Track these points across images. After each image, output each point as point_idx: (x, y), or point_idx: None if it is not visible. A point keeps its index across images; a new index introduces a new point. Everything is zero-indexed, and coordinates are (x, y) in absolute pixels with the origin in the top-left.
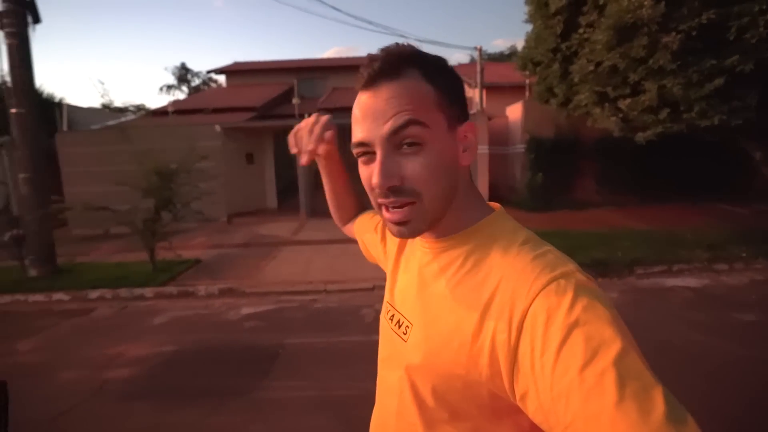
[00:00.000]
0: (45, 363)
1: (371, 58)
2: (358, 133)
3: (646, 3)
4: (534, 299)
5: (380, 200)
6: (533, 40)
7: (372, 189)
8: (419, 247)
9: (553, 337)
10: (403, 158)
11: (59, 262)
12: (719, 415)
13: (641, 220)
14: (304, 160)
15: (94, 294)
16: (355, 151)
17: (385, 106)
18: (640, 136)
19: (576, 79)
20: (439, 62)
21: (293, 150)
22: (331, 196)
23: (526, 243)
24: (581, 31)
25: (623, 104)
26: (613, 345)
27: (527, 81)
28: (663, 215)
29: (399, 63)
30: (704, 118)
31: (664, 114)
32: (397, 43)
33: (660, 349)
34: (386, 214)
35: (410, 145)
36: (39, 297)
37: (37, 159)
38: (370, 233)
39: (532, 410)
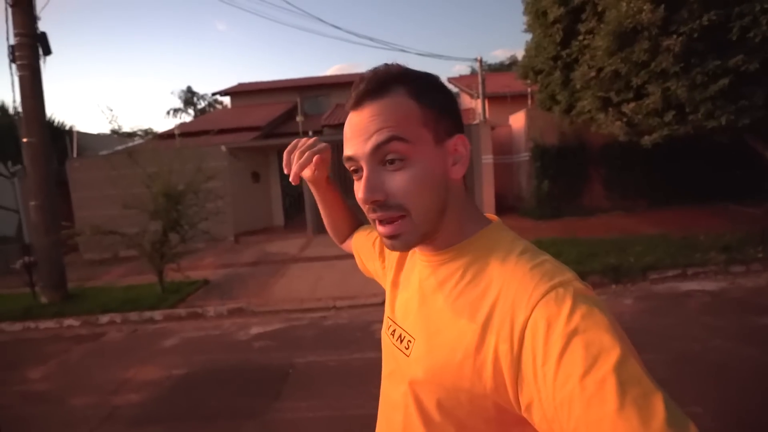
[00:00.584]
0: (56, 390)
1: (359, 79)
2: (347, 150)
3: (645, 7)
4: (534, 309)
5: (371, 215)
6: (533, 49)
7: (362, 204)
8: (418, 261)
9: (554, 345)
10: (387, 174)
11: (70, 287)
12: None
13: (652, 225)
14: (291, 179)
15: (104, 318)
16: (346, 165)
17: (369, 124)
18: (646, 140)
19: (578, 86)
20: (426, 79)
21: (286, 170)
22: (325, 217)
23: (524, 253)
24: (581, 38)
25: (627, 108)
26: (612, 351)
27: (529, 90)
28: (674, 218)
29: (384, 83)
30: (711, 119)
31: (669, 116)
32: (385, 64)
33: (681, 358)
34: (379, 228)
35: (392, 161)
36: (50, 323)
37: (48, 186)
38: (367, 249)
39: (537, 420)
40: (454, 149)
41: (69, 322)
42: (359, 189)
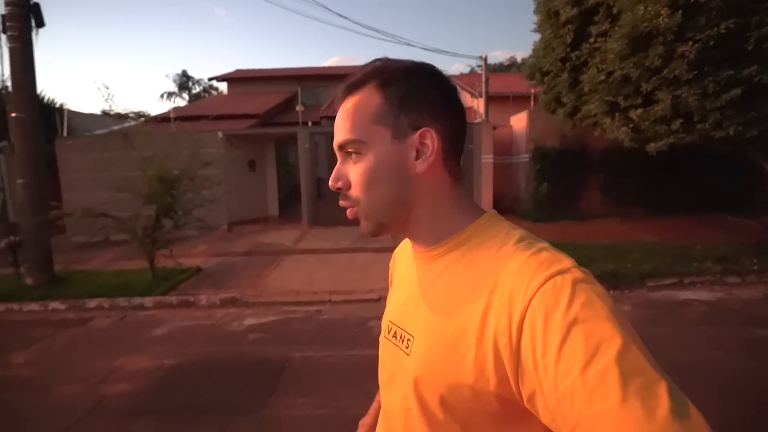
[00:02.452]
0: (40, 377)
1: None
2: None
3: (663, 12)
4: (531, 299)
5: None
6: (542, 49)
7: None
8: (413, 259)
9: (553, 336)
10: (348, 166)
11: (56, 270)
12: None
13: (648, 232)
14: None
15: (91, 303)
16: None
17: (338, 121)
18: (652, 147)
19: (586, 89)
20: (405, 71)
21: None
22: None
23: (520, 242)
24: (592, 40)
25: (634, 114)
26: (613, 341)
27: (532, 91)
28: (670, 227)
29: (361, 79)
30: (719, 128)
31: (677, 124)
32: (377, 59)
33: (681, 368)
34: (348, 212)
35: (353, 154)
36: (34, 306)
37: (36, 164)
38: None
39: (541, 411)
40: (420, 143)
41: (55, 305)
42: None
